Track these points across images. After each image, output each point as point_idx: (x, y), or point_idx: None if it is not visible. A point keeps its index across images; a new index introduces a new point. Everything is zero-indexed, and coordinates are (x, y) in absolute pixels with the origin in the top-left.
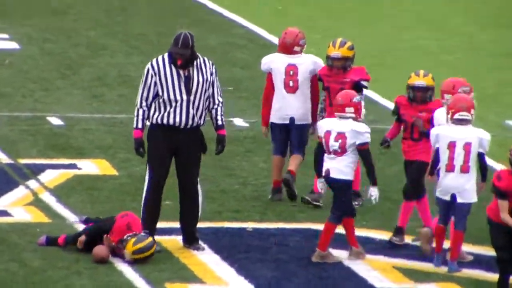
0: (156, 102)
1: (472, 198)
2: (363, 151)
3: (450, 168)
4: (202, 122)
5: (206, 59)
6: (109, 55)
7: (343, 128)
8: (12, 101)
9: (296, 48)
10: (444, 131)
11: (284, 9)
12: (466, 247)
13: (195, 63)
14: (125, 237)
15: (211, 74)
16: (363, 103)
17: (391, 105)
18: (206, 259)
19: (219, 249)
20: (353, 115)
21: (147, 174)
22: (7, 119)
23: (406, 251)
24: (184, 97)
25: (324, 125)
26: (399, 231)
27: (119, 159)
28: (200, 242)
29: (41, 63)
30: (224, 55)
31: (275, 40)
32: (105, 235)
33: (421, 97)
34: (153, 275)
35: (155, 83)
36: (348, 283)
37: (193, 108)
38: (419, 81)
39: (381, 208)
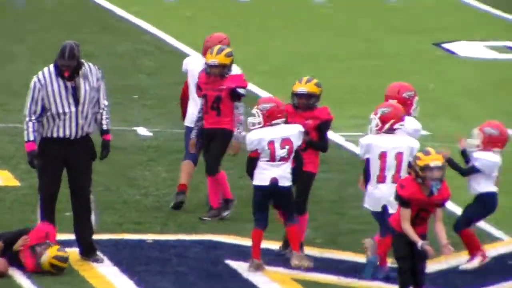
0: (44, 116)
1: None
2: (298, 151)
3: (381, 179)
4: (91, 130)
5: (91, 65)
6: (15, 63)
7: (287, 134)
8: None
9: None
10: (375, 141)
11: (193, 17)
12: (359, 258)
13: (80, 72)
14: (47, 241)
15: (97, 80)
16: (242, 110)
17: None
18: (105, 272)
19: (119, 261)
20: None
21: (39, 187)
22: None
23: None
24: (73, 109)
25: (263, 135)
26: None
27: (21, 170)
28: (99, 253)
29: None
30: (132, 62)
31: (182, 47)
32: (24, 236)
33: (304, 104)
34: None
35: (42, 97)
36: None
37: (82, 118)
38: (301, 88)
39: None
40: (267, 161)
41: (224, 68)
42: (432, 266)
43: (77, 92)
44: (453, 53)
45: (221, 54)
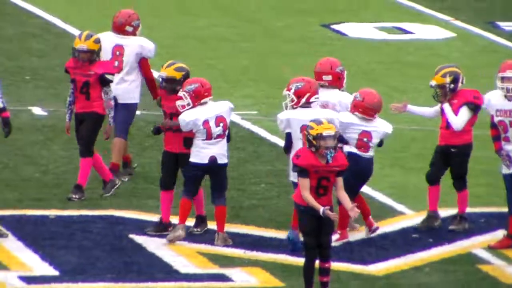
0: None
1: None
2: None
3: None
4: None
5: None
6: None
7: (219, 111)
8: None
9: (128, 28)
10: (293, 115)
11: None
12: (269, 233)
13: None
14: None
15: None
16: (112, 94)
17: None
18: (9, 246)
19: (23, 236)
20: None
21: None
22: None
23: (210, 236)
24: None
25: (197, 115)
26: (199, 220)
27: None
28: (3, 228)
29: None
30: (21, 45)
31: (70, 29)
32: None
33: (168, 88)
34: None
35: None
36: (153, 269)
37: None
38: (162, 72)
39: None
40: (204, 139)
41: (92, 54)
42: (336, 240)
43: None
44: (343, 34)
45: (90, 40)
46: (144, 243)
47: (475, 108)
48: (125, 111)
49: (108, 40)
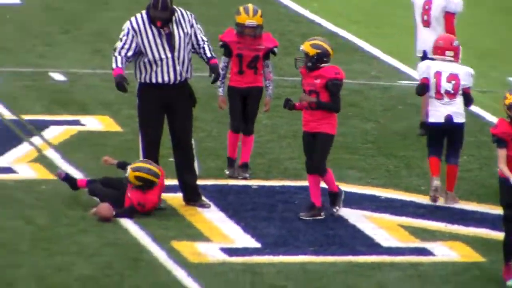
0: (141, 62)
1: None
2: (468, 94)
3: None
4: (189, 76)
5: (183, 11)
6: (111, 10)
7: (455, 70)
8: (15, 57)
9: None
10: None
11: None
12: (470, 206)
13: (173, 18)
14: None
15: (191, 26)
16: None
17: (392, 61)
18: (212, 217)
19: (225, 207)
20: (453, 59)
21: (140, 133)
22: (10, 74)
23: (412, 209)
24: (169, 54)
25: (432, 64)
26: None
27: (122, 115)
28: (205, 199)
29: (43, 18)
30: (225, 11)
31: None
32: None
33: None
34: (159, 232)
35: (137, 43)
36: (354, 241)
37: (179, 64)
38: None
39: (386, 166)
40: (435, 97)
41: (261, 29)
42: None
43: (172, 39)
44: None
45: (257, 14)
46: (345, 215)
47: None
48: None
49: None
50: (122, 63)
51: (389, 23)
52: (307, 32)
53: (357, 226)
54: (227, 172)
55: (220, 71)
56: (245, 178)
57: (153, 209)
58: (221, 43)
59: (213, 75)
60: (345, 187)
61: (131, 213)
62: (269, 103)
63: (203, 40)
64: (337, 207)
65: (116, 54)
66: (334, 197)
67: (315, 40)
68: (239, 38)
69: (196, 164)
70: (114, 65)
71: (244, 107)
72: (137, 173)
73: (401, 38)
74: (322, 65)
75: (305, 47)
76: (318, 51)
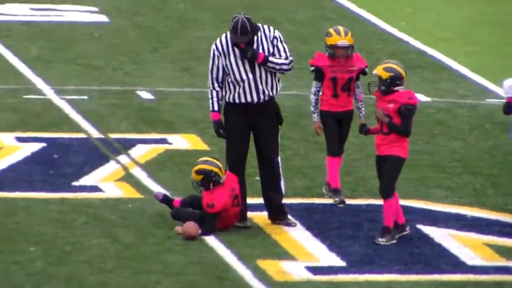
0: (227, 81)
1: None
2: None
3: None
4: (274, 93)
5: (266, 28)
6: (198, 28)
7: None
8: (102, 75)
9: None
10: None
11: None
12: None
13: (255, 38)
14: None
15: (274, 44)
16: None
17: (480, 79)
18: (297, 236)
19: (311, 225)
20: None
21: (226, 154)
22: (97, 93)
23: (497, 227)
24: (250, 75)
25: None
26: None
27: (209, 134)
28: (291, 217)
29: (131, 36)
30: (313, 29)
31: (364, 13)
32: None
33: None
34: (244, 251)
35: (222, 65)
36: (439, 260)
37: (261, 83)
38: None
39: (473, 185)
40: None
41: (352, 49)
42: None
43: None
44: None
45: (348, 35)
46: (431, 233)
47: None
48: None
49: None
50: (218, 101)
51: (477, 42)
52: (395, 50)
53: (443, 244)
54: (336, 199)
55: (312, 96)
56: (342, 202)
57: (232, 222)
58: (312, 68)
59: (249, 52)
60: (431, 206)
61: (209, 222)
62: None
63: (286, 58)
64: (381, 240)
65: (211, 88)
66: (383, 231)
67: (388, 64)
68: (332, 61)
69: (282, 183)
70: (210, 107)
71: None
72: (196, 168)
73: (489, 56)
74: (396, 88)
75: (378, 71)
76: (391, 74)
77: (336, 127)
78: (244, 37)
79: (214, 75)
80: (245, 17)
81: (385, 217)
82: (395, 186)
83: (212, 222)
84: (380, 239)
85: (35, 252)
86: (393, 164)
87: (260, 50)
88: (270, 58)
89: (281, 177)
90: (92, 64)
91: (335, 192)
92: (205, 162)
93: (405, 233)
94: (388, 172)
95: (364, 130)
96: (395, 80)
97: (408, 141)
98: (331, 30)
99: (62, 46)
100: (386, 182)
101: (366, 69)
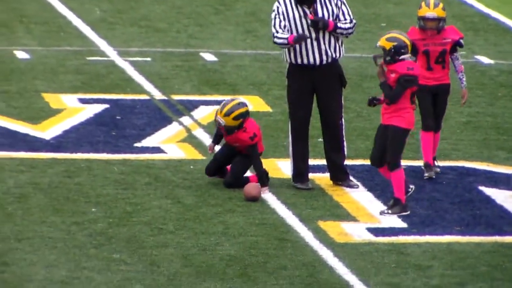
0: None
1: None
2: None
3: None
4: (338, 55)
5: None
6: None
7: None
8: (166, 37)
9: None
10: None
11: None
12: None
13: None
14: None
15: (338, 6)
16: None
17: None
18: (359, 197)
19: (372, 187)
20: None
21: (290, 114)
22: (161, 54)
23: None
24: (313, 35)
25: None
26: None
27: (272, 95)
28: (353, 179)
29: None
30: None
31: None
32: None
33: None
34: (306, 212)
35: (284, 24)
36: (501, 221)
37: (324, 44)
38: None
39: None
40: None
41: (444, 21)
42: None
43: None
44: None
45: (438, 7)
46: (492, 195)
47: None
48: None
49: None
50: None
51: None
52: (459, 13)
53: (504, 206)
54: (426, 174)
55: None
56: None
57: (256, 140)
58: None
59: (320, 22)
60: (493, 168)
61: (257, 157)
62: (466, 94)
63: (351, 22)
64: (388, 211)
65: (275, 40)
66: (394, 202)
67: (391, 34)
68: (423, 34)
69: (344, 144)
70: (285, 40)
71: (434, 104)
72: (232, 115)
73: None
74: (402, 57)
75: (381, 42)
76: (394, 43)
77: (430, 101)
78: None
79: (278, 29)
80: None
81: (395, 189)
82: (401, 157)
83: (258, 156)
84: (387, 211)
85: (96, 213)
86: (394, 134)
87: (325, 11)
88: (339, 24)
89: (344, 139)
90: (156, 26)
91: (426, 166)
92: (238, 105)
93: (410, 192)
94: (391, 143)
95: (373, 102)
96: (399, 49)
97: (413, 112)
98: (422, 3)
99: (126, 8)
100: (390, 154)
101: (461, 41)
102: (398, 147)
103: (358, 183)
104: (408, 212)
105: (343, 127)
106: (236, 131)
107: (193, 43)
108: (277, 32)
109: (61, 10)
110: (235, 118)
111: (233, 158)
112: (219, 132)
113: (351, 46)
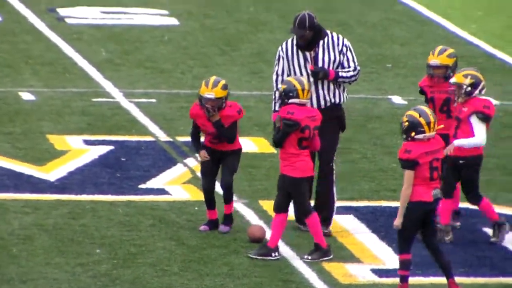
0: None
1: None
2: None
3: None
4: (338, 101)
5: (335, 36)
6: (268, 32)
7: None
8: (171, 78)
9: None
10: None
11: None
12: None
13: (321, 42)
14: None
15: (341, 52)
16: None
17: None
18: (363, 239)
19: (377, 228)
20: None
21: None
22: (166, 96)
23: None
24: (311, 79)
25: None
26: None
27: None
28: (330, 228)
29: (201, 39)
30: (384, 32)
31: (434, 16)
32: None
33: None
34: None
35: (286, 66)
36: (505, 263)
37: (322, 89)
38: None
39: None
40: None
41: (447, 69)
42: None
43: (316, 64)
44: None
45: (442, 54)
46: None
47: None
48: None
49: None
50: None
51: None
52: (465, 53)
53: (508, 248)
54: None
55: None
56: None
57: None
58: (419, 89)
59: (320, 73)
60: (497, 209)
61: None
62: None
63: (354, 69)
64: (307, 257)
65: (275, 89)
66: (314, 248)
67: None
68: (430, 82)
69: (334, 188)
70: (272, 107)
71: None
72: (219, 84)
73: None
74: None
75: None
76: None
77: None
78: (300, 30)
79: (280, 77)
80: (308, 14)
81: (313, 235)
82: (309, 208)
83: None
84: (307, 256)
85: (100, 254)
86: (288, 185)
87: (326, 57)
88: (340, 73)
89: (334, 183)
90: (161, 67)
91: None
92: None
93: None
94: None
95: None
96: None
97: (304, 159)
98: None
99: (131, 49)
100: (296, 206)
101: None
102: (297, 197)
103: (362, 224)
104: (331, 257)
105: (334, 172)
106: (223, 108)
107: (198, 84)
108: (276, 87)
109: (66, 51)
110: (223, 88)
111: (218, 164)
112: (196, 136)
113: (356, 88)
